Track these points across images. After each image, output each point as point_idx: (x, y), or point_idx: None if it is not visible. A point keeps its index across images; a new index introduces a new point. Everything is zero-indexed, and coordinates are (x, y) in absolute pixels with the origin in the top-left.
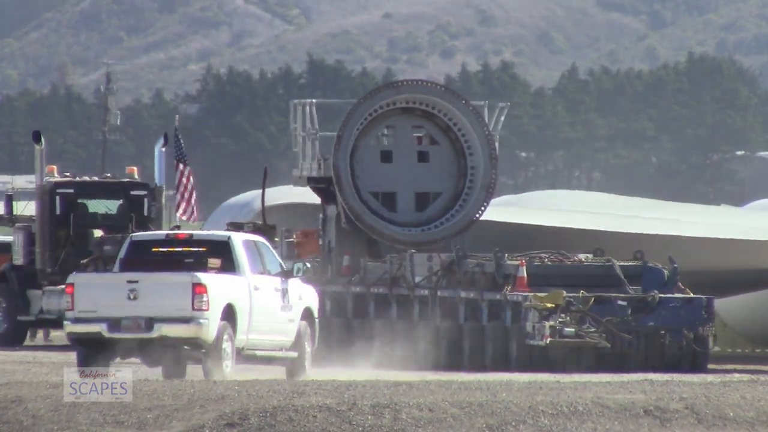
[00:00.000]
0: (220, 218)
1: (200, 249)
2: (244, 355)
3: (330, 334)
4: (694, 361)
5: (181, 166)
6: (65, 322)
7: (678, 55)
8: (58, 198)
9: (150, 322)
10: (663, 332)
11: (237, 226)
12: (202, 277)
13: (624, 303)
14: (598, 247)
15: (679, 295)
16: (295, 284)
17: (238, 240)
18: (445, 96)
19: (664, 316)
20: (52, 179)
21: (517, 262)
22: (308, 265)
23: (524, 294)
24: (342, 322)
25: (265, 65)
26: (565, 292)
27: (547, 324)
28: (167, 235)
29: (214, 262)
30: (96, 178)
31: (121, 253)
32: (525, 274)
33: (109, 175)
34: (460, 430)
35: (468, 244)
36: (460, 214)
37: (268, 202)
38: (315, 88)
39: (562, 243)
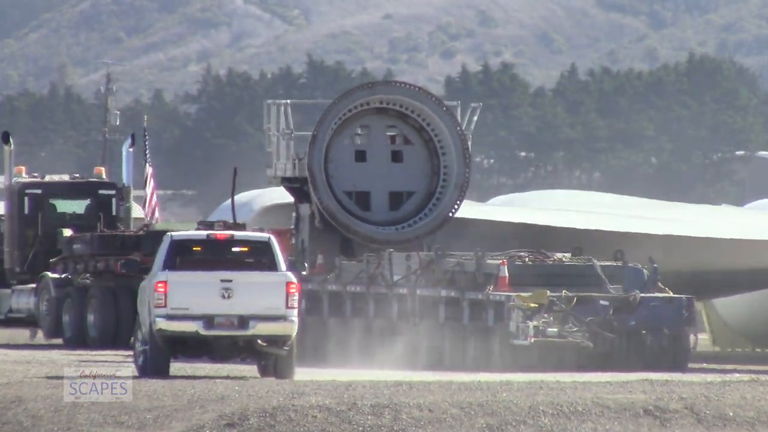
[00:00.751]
0: (222, 218)
1: (242, 249)
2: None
3: (305, 333)
4: (675, 361)
5: (149, 166)
6: (157, 320)
7: (678, 55)
8: (26, 198)
9: (244, 320)
10: (644, 332)
11: (207, 225)
12: (293, 276)
13: (606, 303)
14: (577, 246)
15: (660, 295)
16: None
17: (275, 241)
18: (419, 96)
19: (646, 315)
20: (20, 180)
21: (498, 262)
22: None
23: (507, 294)
24: (317, 321)
25: (264, 66)
26: (549, 291)
27: (531, 324)
28: (207, 235)
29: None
30: (65, 178)
31: (162, 253)
32: (507, 274)
33: (77, 175)
34: (460, 430)
35: (441, 241)
36: (433, 213)
37: (273, 201)
38: (315, 88)
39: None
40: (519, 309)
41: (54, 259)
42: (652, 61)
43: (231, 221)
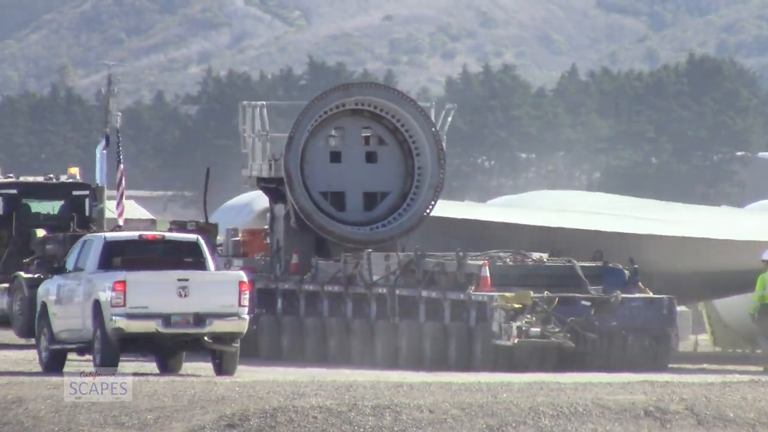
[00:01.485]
0: (221, 219)
1: (172, 249)
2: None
3: (282, 332)
4: (656, 361)
5: (121, 167)
6: (116, 318)
7: (678, 56)
8: (1, 198)
9: (200, 318)
10: (625, 332)
11: (180, 225)
12: (245, 275)
13: (588, 303)
14: (554, 246)
15: (642, 296)
16: None
17: (202, 241)
18: (393, 97)
19: (627, 316)
20: None
21: (479, 262)
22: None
23: (490, 294)
24: (294, 320)
25: (265, 67)
26: (532, 292)
27: (515, 324)
28: (139, 236)
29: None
30: (39, 179)
31: (96, 253)
32: (488, 275)
33: (51, 176)
34: (461, 431)
35: (413, 240)
36: (408, 214)
37: None
38: (315, 89)
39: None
40: (502, 309)
41: (27, 260)
42: (653, 61)
43: (203, 221)
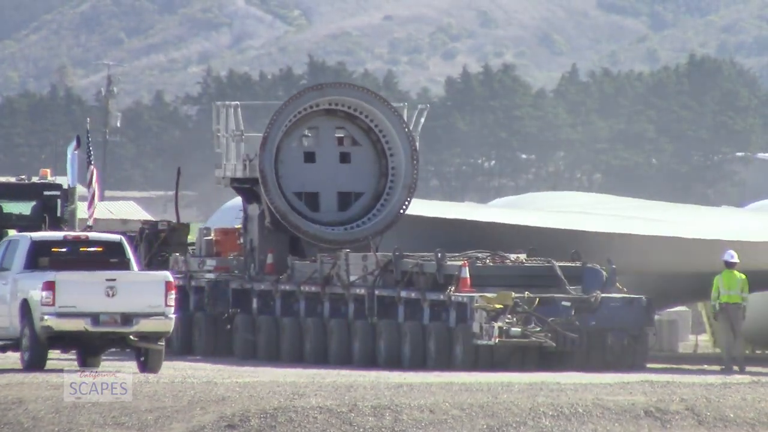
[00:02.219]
0: (222, 219)
1: (97, 249)
2: None
3: (257, 332)
4: (635, 360)
5: (92, 167)
6: (46, 317)
7: (679, 56)
8: None
9: (127, 317)
10: (605, 332)
11: (152, 225)
12: (171, 275)
13: (568, 303)
14: (531, 246)
15: (621, 296)
16: None
17: (125, 241)
18: (367, 98)
19: (606, 315)
20: None
21: (459, 263)
22: None
23: (471, 295)
24: (269, 320)
25: (265, 67)
26: (513, 293)
27: (496, 324)
28: (64, 236)
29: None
30: (11, 180)
31: (22, 254)
32: (468, 275)
33: (23, 177)
34: (461, 431)
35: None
36: (382, 213)
37: None
38: None
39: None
40: (483, 310)
41: None
42: (653, 62)
43: (174, 221)
